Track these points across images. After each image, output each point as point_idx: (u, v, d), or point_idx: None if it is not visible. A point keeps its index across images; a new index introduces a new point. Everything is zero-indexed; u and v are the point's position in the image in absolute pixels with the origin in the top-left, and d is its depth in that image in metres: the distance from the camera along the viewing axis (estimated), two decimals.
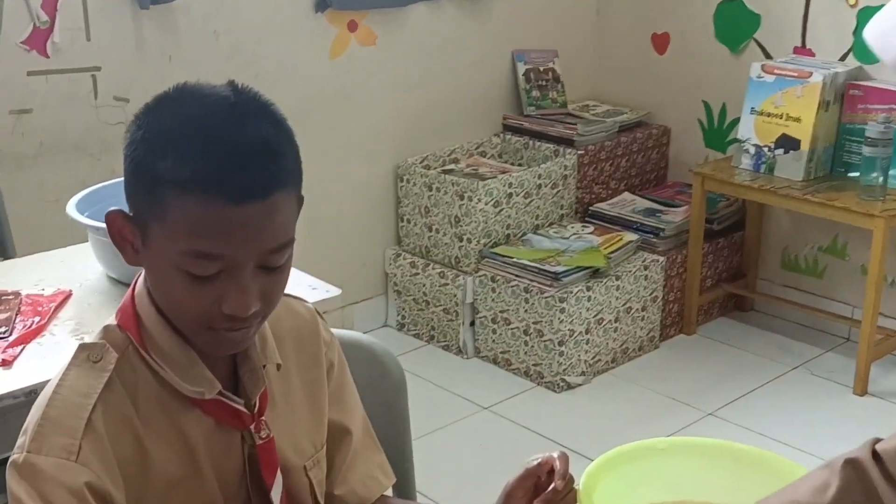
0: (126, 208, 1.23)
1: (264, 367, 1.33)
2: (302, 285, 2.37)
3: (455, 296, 3.66)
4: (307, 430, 1.40)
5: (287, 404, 1.38)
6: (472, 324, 3.69)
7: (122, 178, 1.23)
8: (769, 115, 3.64)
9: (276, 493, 1.34)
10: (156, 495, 1.26)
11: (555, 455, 1.35)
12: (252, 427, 1.31)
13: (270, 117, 1.21)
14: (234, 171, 1.14)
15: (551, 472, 1.34)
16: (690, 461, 1.45)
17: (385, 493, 1.53)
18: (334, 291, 2.34)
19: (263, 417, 1.32)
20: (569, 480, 1.33)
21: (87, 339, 1.30)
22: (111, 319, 1.30)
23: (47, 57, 3.00)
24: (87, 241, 2.31)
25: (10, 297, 2.27)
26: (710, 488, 1.42)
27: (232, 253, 1.16)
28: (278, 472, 1.35)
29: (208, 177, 1.13)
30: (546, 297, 3.45)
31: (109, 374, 1.24)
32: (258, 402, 1.31)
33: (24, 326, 2.14)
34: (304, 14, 3.51)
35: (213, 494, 1.31)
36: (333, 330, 1.75)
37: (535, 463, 1.35)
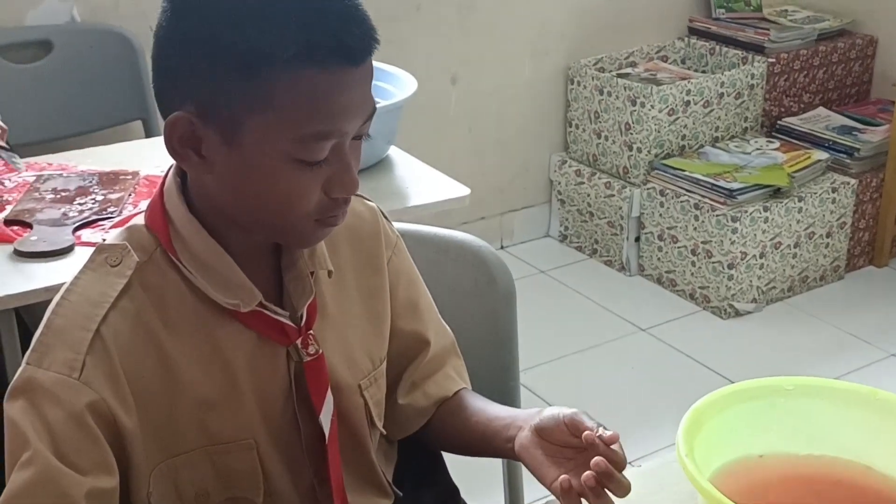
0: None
1: (312, 274, 1.13)
2: (426, 180, 2.15)
3: (620, 208, 3.35)
4: (364, 343, 1.20)
5: (341, 315, 1.18)
6: (637, 239, 3.37)
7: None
8: None
9: (325, 417, 1.14)
10: (183, 419, 1.07)
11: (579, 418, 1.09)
12: (299, 342, 1.11)
13: None
14: (348, 27, 0.98)
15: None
16: (824, 407, 1.14)
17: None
18: (462, 191, 2.10)
19: (311, 331, 1.13)
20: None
21: (107, 240, 1.09)
22: (139, 219, 1.09)
23: None
24: None
25: (129, 176, 2.14)
26: (844, 442, 1.11)
27: (347, 125, 1.01)
28: (328, 393, 1.14)
29: (327, 39, 0.97)
30: (717, 216, 3.10)
31: (127, 279, 1.05)
32: (305, 314, 1.12)
33: (135, 207, 2.01)
34: None
35: (253, 417, 1.11)
36: (444, 229, 1.52)
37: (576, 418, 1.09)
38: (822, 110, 3.58)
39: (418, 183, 2.15)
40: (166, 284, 1.06)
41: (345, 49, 0.97)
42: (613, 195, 3.36)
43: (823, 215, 3.24)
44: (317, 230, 1.07)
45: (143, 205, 1.98)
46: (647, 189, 3.29)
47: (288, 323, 1.11)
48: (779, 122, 3.52)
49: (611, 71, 3.50)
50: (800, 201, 3.18)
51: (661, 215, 3.26)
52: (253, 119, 0.98)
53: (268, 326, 1.09)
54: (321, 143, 1.00)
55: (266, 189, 1.02)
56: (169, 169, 1.11)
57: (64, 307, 1.04)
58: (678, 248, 3.24)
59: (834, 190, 3.24)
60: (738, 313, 3.18)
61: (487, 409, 1.25)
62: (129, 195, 2.05)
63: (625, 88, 3.30)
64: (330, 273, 1.16)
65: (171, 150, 1.03)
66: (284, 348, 1.11)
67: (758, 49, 3.49)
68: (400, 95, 2.20)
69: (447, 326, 1.33)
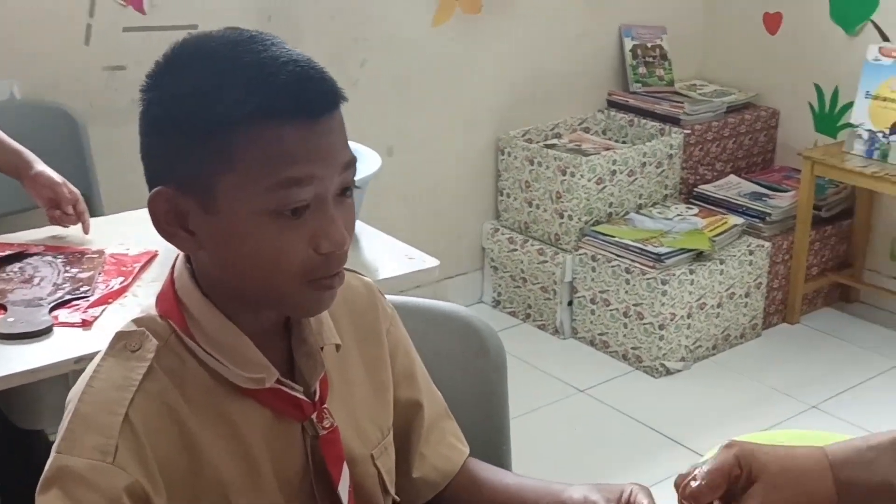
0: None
1: (322, 349, 1.11)
2: (398, 255, 2.10)
3: (554, 274, 3.34)
4: (371, 414, 1.19)
5: (347, 388, 1.16)
6: (570, 303, 3.36)
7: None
8: (885, 99, 3.27)
9: (343, 489, 1.11)
10: (207, 501, 1.02)
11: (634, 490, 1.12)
12: (314, 416, 1.09)
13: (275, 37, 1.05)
14: (303, 85, 0.98)
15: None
16: None
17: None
18: (432, 262, 2.06)
19: (325, 405, 1.11)
20: None
21: (122, 328, 1.06)
22: (150, 308, 1.07)
23: (143, 13, 2.75)
24: None
25: (94, 255, 2.04)
26: None
27: (320, 171, 0.99)
28: (345, 465, 1.12)
29: (280, 97, 0.97)
30: (648, 279, 3.11)
31: (149, 363, 1.01)
32: (318, 389, 1.10)
33: (106, 286, 1.90)
34: None
35: (273, 495, 1.07)
36: (436, 301, 1.51)
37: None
38: (733, 178, 3.65)
39: (388, 255, 2.10)
40: (184, 368, 1.03)
41: (301, 104, 0.98)
42: (546, 261, 3.35)
43: (742, 276, 3.29)
44: (313, 294, 1.03)
45: (116, 283, 1.90)
46: (579, 255, 3.29)
47: (304, 398, 1.08)
48: (695, 189, 3.58)
49: (538, 142, 3.51)
50: (721, 264, 3.22)
51: (593, 279, 3.26)
52: (222, 181, 0.98)
53: (284, 403, 1.07)
54: (291, 191, 0.98)
55: (250, 251, 0.99)
56: (176, 258, 1.09)
57: (89, 394, 1.00)
58: (610, 310, 3.24)
59: (751, 252, 3.30)
60: (668, 372, 3.19)
61: (503, 480, 1.26)
62: (99, 273, 1.95)
63: (555, 159, 3.31)
64: (338, 347, 1.14)
65: (161, 229, 1.02)
66: (300, 424, 1.09)
67: (674, 121, 3.55)
68: (365, 172, 2.16)
69: (437, 391, 1.32)
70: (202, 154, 0.98)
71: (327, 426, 1.09)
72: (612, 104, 3.72)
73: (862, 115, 3.32)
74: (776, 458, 1.00)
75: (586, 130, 3.66)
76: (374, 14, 3.16)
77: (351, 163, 1.02)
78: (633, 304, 3.17)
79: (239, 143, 0.96)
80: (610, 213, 3.38)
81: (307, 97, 0.98)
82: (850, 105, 3.49)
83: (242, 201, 0.98)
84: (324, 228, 1.00)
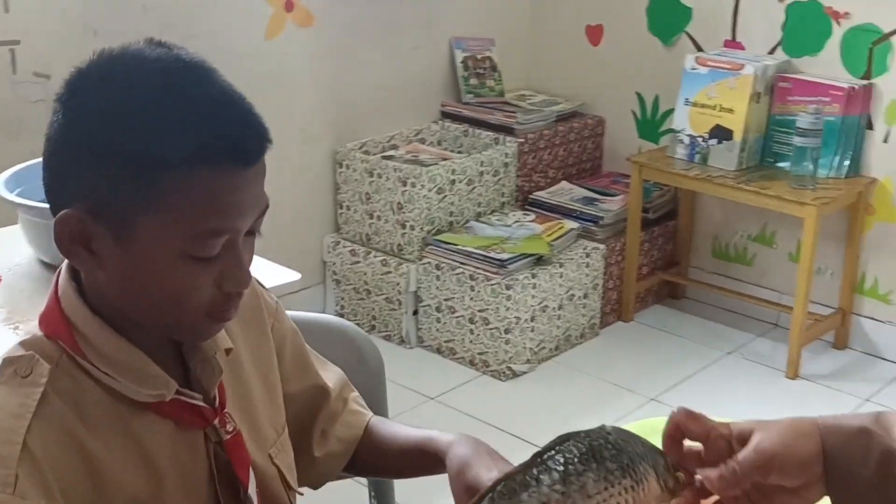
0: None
1: (214, 354, 1.09)
2: (260, 269, 2.02)
3: (398, 284, 3.32)
4: (266, 414, 1.18)
5: (242, 391, 1.15)
6: (416, 313, 3.35)
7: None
8: (703, 105, 3.41)
9: (252, 491, 1.09)
10: None
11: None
12: (216, 422, 1.07)
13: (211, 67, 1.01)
14: (243, 132, 0.96)
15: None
16: None
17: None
18: (293, 276, 2.00)
19: (226, 410, 1.09)
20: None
21: (9, 353, 0.99)
22: (34, 329, 1.02)
23: None
24: (16, 222, 1.91)
25: None
26: None
27: (241, 222, 0.98)
28: (250, 467, 1.11)
29: (220, 143, 0.93)
30: (492, 285, 3.13)
31: (43, 387, 0.96)
32: (217, 394, 1.08)
33: None
34: None
35: None
36: (313, 313, 1.51)
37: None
38: (565, 184, 3.73)
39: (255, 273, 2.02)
40: (79, 389, 0.99)
41: (239, 151, 0.95)
42: (390, 272, 3.32)
43: (580, 279, 3.35)
44: (210, 325, 1.03)
45: None
46: (423, 264, 3.28)
47: (204, 405, 1.06)
48: (530, 196, 3.63)
49: (375, 153, 3.48)
50: (560, 267, 3.27)
51: (437, 288, 3.26)
52: (146, 219, 0.94)
53: (185, 412, 1.04)
54: (215, 240, 0.96)
55: (158, 285, 0.97)
56: (57, 276, 1.03)
57: None
58: (456, 317, 3.24)
59: (587, 255, 3.37)
60: (515, 374, 3.21)
61: (400, 433, 1.28)
62: None
63: (395, 170, 3.29)
64: (228, 351, 1.12)
65: (61, 246, 0.98)
66: (202, 432, 1.07)
67: (508, 130, 3.60)
68: None
69: (331, 364, 1.32)
70: (127, 188, 0.93)
71: (230, 430, 1.08)
72: (446, 115, 3.73)
73: (683, 121, 3.45)
74: (780, 431, 1.03)
75: (422, 141, 3.66)
76: (204, 28, 3.06)
77: (266, 207, 1.01)
78: (479, 311, 3.18)
79: (169, 187, 0.93)
80: (451, 222, 3.39)
81: (245, 145, 0.95)
82: (670, 112, 3.63)
83: (162, 241, 0.95)
84: (231, 270, 0.99)
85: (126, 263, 0.96)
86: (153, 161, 0.92)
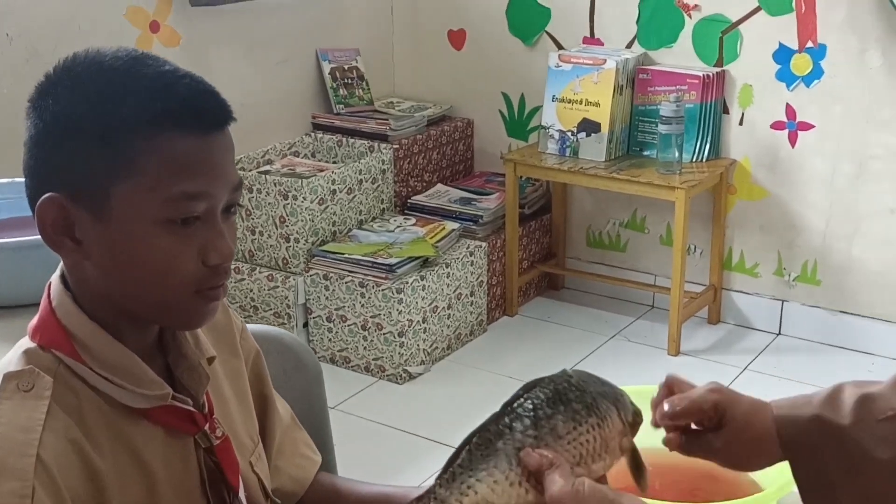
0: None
1: (200, 362, 1.11)
2: None
3: (286, 298, 3.28)
4: (243, 424, 1.20)
5: (221, 399, 1.17)
6: (306, 325, 3.32)
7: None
8: (569, 101, 3.51)
9: (242, 494, 1.11)
10: None
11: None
12: (206, 427, 1.09)
13: None
14: (201, 98, 1.00)
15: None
16: None
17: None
18: None
19: (215, 416, 1.11)
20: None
21: (7, 368, 1.00)
22: (25, 343, 1.03)
23: None
24: None
25: None
26: None
27: (213, 189, 1.00)
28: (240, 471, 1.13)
29: (181, 107, 0.98)
30: (383, 290, 3.13)
31: (48, 400, 0.98)
32: (205, 400, 1.10)
33: None
34: (104, 15, 3.04)
35: None
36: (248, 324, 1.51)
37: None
38: (440, 186, 3.77)
39: None
40: (78, 400, 1.00)
41: (200, 113, 0.99)
42: (277, 286, 3.29)
43: (466, 277, 3.39)
44: (199, 304, 1.03)
45: None
46: (311, 276, 3.26)
47: (195, 411, 1.07)
48: (409, 200, 3.65)
49: (251, 169, 3.44)
50: (447, 267, 3.30)
51: (327, 298, 3.24)
52: (119, 187, 0.97)
53: (177, 418, 1.06)
54: (190, 203, 0.98)
55: (141, 258, 0.99)
56: (48, 289, 1.04)
57: None
58: (348, 326, 3.23)
59: (471, 254, 3.41)
60: (411, 376, 3.23)
61: (362, 489, 1.31)
62: None
63: (275, 184, 3.26)
64: (211, 360, 1.13)
65: (46, 237, 1.00)
66: (192, 438, 1.08)
67: (382, 138, 3.61)
68: None
69: (283, 400, 1.33)
70: (99, 160, 0.97)
71: (220, 435, 1.09)
72: (317, 127, 3.72)
73: (551, 117, 3.53)
74: (743, 414, 1.09)
75: (296, 154, 3.63)
76: (69, 49, 2.96)
77: (239, 184, 1.04)
78: (371, 317, 3.18)
79: (138, 148, 0.96)
80: (334, 232, 3.38)
81: (205, 108, 1.00)
82: (536, 109, 3.71)
83: (137, 209, 0.97)
84: (212, 241, 1.00)
85: (108, 242, 0.98)
86: (119, 127, 0.96)
